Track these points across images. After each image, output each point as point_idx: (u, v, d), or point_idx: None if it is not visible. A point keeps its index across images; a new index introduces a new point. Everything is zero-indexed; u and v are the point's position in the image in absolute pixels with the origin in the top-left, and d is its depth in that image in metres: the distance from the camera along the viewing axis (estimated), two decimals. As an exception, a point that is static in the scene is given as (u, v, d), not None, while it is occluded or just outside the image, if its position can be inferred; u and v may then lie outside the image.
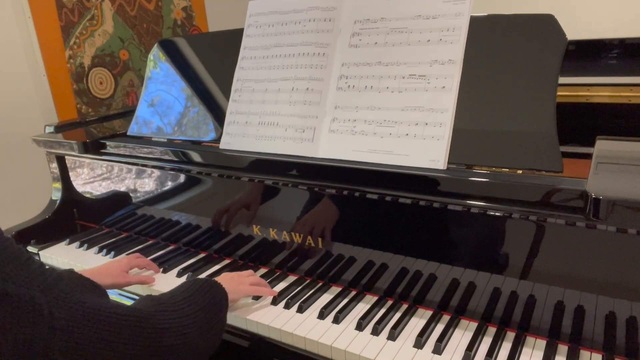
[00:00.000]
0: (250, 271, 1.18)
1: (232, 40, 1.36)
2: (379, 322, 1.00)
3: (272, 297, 1.12)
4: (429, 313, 1.04)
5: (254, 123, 1.25)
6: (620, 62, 1.35)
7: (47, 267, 0.76)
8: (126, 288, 1.25)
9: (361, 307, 1.08)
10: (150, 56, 1.56)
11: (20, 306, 0.67)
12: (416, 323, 1.01)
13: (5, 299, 0.66)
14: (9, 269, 0.69)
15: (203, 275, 1.25)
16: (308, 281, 1.19)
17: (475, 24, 1.04)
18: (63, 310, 0.70)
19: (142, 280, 1.22)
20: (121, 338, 0.74)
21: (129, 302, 1.23)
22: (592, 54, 1.36)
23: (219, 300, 0.97)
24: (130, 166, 1.44)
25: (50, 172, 1.64)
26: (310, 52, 1.20)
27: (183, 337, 0.83)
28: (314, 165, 1.12)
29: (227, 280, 1.06)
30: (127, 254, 1.40)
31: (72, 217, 1.64)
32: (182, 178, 1.35)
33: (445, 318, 1.02)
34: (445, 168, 0.99)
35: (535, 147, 0.94)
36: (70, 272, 0.81)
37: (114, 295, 1.26)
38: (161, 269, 1.30)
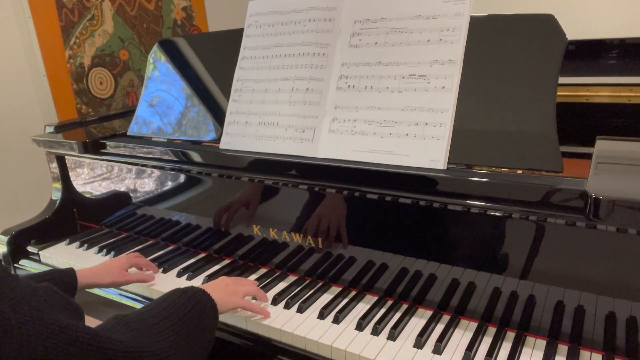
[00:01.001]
0: (250, 280, 1.13)
1: (232, 40, 1.36)
2: (379, 322, 1.00)
3: (272, 298, 1.12)
4: (429, 313, 1.04)
5: (254, 123, 1.25)
6: (620, 62, 1.35)
7: (22, 281, 0.74)
8: (126, 288, 1.25)
9: (361, 307, 1.08)
10: (150, 56, 1.56)
11: None
12: (416, 323, 1.01)
13: None
14: None
15: (203, 275, 1.25)
16: (308, 281, 1.19)
17: (475, 24, 1.04)
18: (32, 328, 0.68)
19: (141, 278, 1.22)
20: None
21: (129, 302, 1.24)
22: (592, 54, 1.36)
23: (204, 317, 0.91)
24: (130, 166, 1.44)
25: (50, 172, 1.64)
26: (310, 52, 1.20)
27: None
28: (314, 165, 1.12)
29: (219, 288, 1.01)
30: (127, 254, 1.40)
31: (72, 217, 1.64)
32: (182, 178, 1.35)
33: (445, 318, 1.02)
34: (445, 168, 0.99)
35: (535, 147, 0.94)
36: (47, 288, 0.78)
37: (114, 295, 1.26)
38: (161, 269, 1.30)
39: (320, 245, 1.15)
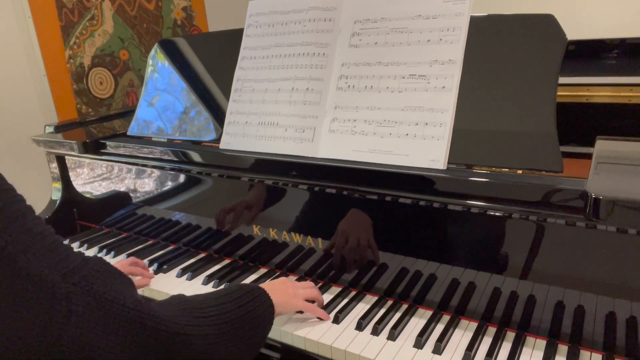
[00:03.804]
0: (309, 283, 1.10)
1: (232, 40, 1.36)
2: (379, 322, 1.00)
3: None
4: (429, 313, 1.04)
5: (254, 123, 1.25)
6: (620, 62, 1.35)
7: (74, 251, 0.75)
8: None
9: (361, 307, 1.08)
10: (150, 56, 1.56)
11: (41, 289, 0.67)
12: (416, 323, 1.01)
13: (28, 280, 0.66)
14: (35, 250, 0.68)
15: (203, 275, 1.25)
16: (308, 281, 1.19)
17: (475, 24, 1.04)
18: (81, 298, 0.69)
19: (137, 284, 1.21)
20: (132, 336, 0.72)
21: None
22: (592, 54, 1.36)
23: (259, 314, 0.90)
24: (130, 166, 1.44)
25: (50, 172, 1.64)
26: (310, 52, 1.20)
27: (202, 347, 0.79)
28: (314, 165, 1.12)
29: (280, 290, 1.00)
30: (127, 254, 1.40)
31: (72, 217, 1.64)
32: (182, 178, 1.35)
33: (445, 318, 1.02)
34: (445, 168, 0.99)
35: (535, 147, 0.94)
36: (98, 259, 0.78)
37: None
38: (161, 269, 1.30)
39: (320, 245, 1.15)
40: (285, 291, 1.00)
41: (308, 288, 1.06)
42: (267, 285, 0.99)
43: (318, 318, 1.04)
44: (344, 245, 1.11)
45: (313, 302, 1.07)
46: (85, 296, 0.69)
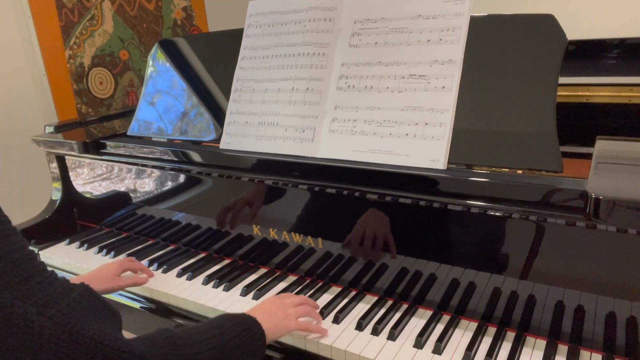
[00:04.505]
0: (300, 298, 1.04)
1: (232, 40, 1.36)
2: (379, 322, 1.00)
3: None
4: (429, 313, 1.04)
5: (254, 123, 1.25)
6: (620, 62, 1.35)
7: (58, 279, 0.71)
8: (127, 288, 1.24)
9: (361, 307, 1.08)
10: (150, 56, 1.56)
11: (13, 318, 0.64)
12: (416, 323, 1.01)
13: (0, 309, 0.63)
14: (10, 277, 0.65)
15: (203, 275, 1.25)
16: (308, 281, 1.19)
17: (475, 24, 1.04)
18: (55, 332, 0.65)
19: (134, 282, 1.21)
20: None
21: (129, 303, 1.24)
22: (592, 54, 1.36)
23: (248, 348, 0.86)
24: (130, 166, 1.44)
25: (50, 172, 1.64)
26: (310, 52, 1.20)
27: None
28: (314, 165, 1.12)
29: (270, 313, 0.96)
30: (127, 254, 1.40)
31: (72, 217, 1.64)
32: (182, 178, 1.35)
33: (445, 318, 1.02)
34: (445, 168, 0.99)
35: (535, 147, 0.94)
36: (83, 289, 0.73)
37: (114, 295, 1.26)
38: (161, 269, 1.30)
39: (320, 245, 1.15)
40: (275, 314, 0.96)
41: (299, 305, 1.01)
42: (257, 311, 0.95)
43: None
44: (360, 242, 1.09)
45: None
46: (59, 332, 0.66)
